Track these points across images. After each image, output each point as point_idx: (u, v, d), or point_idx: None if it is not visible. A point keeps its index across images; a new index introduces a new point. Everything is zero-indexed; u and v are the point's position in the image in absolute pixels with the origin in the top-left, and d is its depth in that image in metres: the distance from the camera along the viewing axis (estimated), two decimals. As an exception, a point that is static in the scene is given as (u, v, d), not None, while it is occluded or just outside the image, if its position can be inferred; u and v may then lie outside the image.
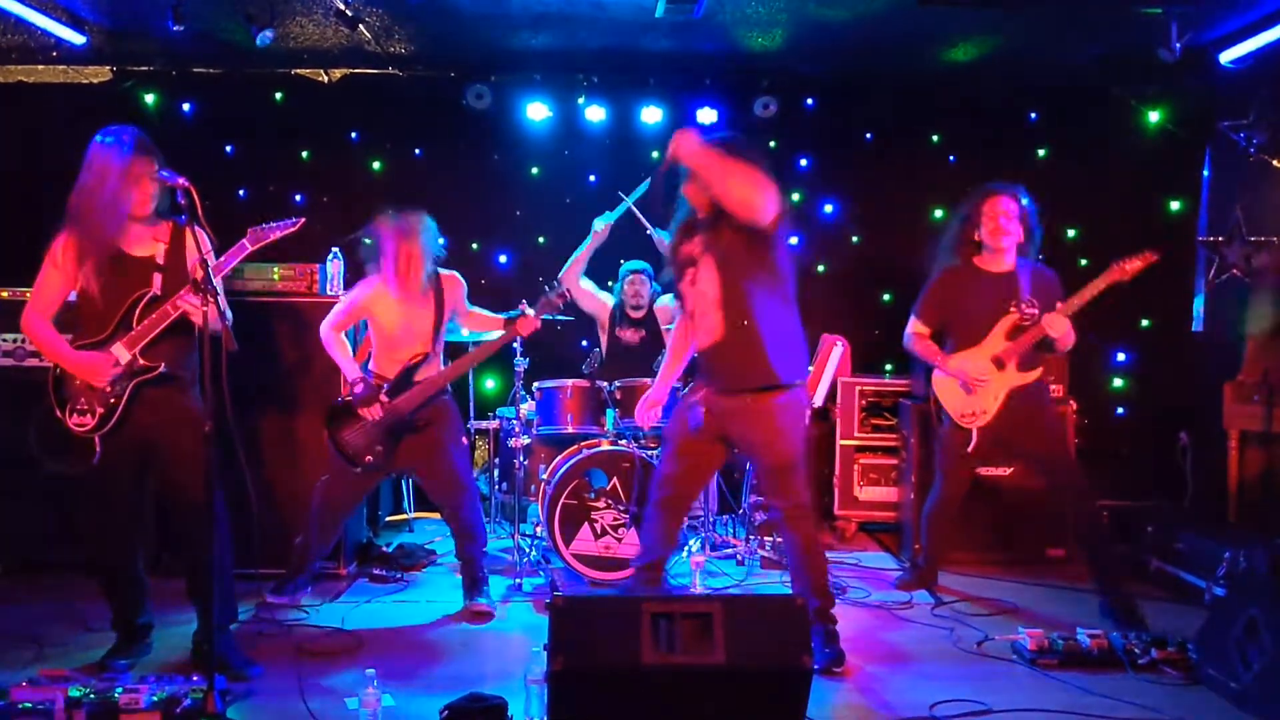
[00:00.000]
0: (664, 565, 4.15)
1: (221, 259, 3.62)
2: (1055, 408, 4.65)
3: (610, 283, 5.83)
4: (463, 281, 4.65)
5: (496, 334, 4.67)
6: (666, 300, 5.86)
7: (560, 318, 5.28)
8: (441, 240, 4.51)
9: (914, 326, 4.70)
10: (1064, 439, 4.64)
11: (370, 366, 4.55)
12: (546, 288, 4.62)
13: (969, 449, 4.54)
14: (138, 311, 3.61)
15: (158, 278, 3.64)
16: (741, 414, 3.83)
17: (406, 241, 4.37)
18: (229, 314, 3.51)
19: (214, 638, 3.43)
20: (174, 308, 3.57)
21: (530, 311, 4.54)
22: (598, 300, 5.78)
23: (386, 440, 4.44)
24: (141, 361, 3.61)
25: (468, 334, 5.20)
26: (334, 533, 4.67)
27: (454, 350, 4.87)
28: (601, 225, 5.49)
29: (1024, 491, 5.28)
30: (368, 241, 4.51)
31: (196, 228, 3.35)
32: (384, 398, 4.41)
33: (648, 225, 5.42)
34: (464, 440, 4.64)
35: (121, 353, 3.59)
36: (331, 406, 4.51)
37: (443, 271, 4.57)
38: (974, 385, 4.47)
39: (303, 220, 3.76)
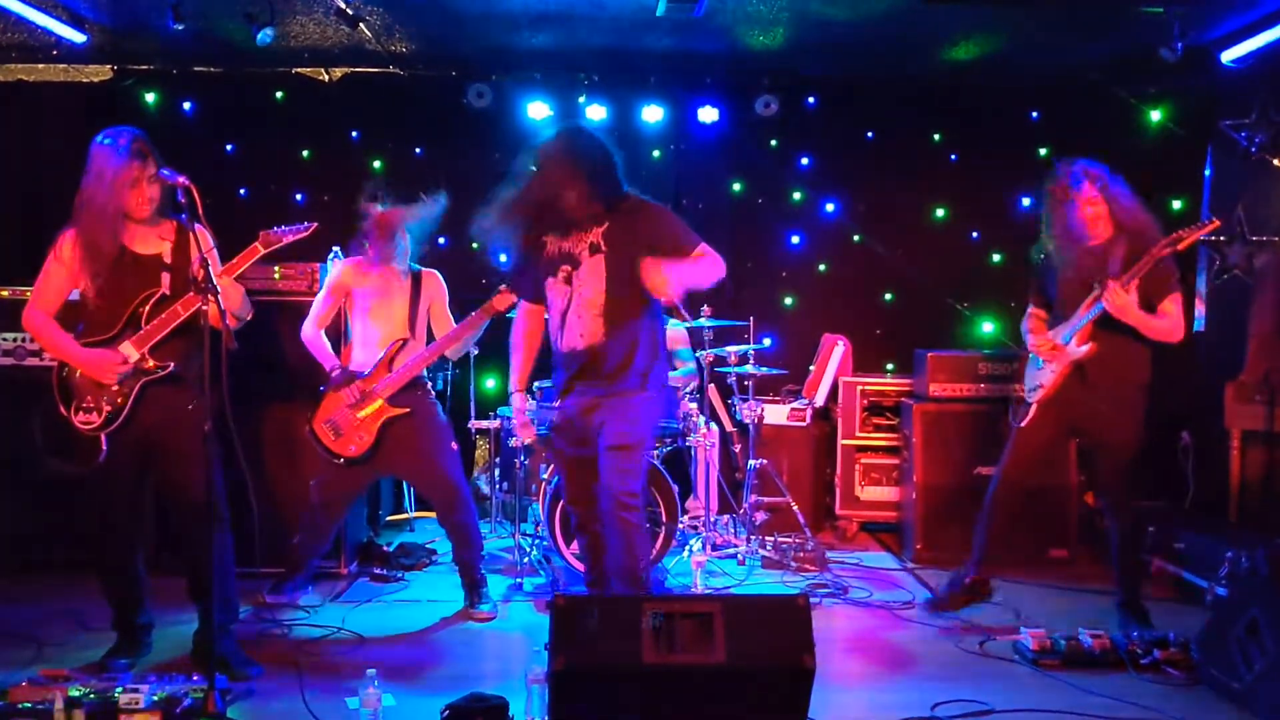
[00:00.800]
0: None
1: (234, 260, 3.63)
2: (1126, 390, 4.20)
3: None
4: (444, 284, 4.68)
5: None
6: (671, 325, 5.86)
7: None
8: (441, 240, 4.52)
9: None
10: (1128, 421, 4.18)
11: (352, 357, 4.55)
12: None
13: (1022, 422, 4.33)
14: (146, 310, 3.61)
15: (166, 276, 3.65)
16: (605, 407, 3.82)
17: (391, 207, 4.44)
18: (248, 312, 3.51)
19: (215, 637, 3.43)
20: (185, 307, 3.57)
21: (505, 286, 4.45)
22: None
23: (361, 435, 4.41)
24: (151, 361, 3.61)
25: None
26: (328, 532, 4.65)
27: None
28: None
29: (1027, 492, 5.26)
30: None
31: (197, 226, 3.35)
32: (360, 383, 4.40)
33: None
34: (453, 444, 4.57)
35: (130, 351, 3.59)
36: (314, 403, 4.50)
37: (425, 269, 4.62)
38: (1045, 357, 4.27)
39: (315, 225, 3.78)
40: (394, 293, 4.51)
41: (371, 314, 4.50)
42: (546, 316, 3.97)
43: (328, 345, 4.58)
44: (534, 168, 3.82)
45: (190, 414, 3.62)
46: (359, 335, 4.56)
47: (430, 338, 4.62)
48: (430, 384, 4.68)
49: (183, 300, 3.59)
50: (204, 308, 3.28)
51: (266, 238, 3.69)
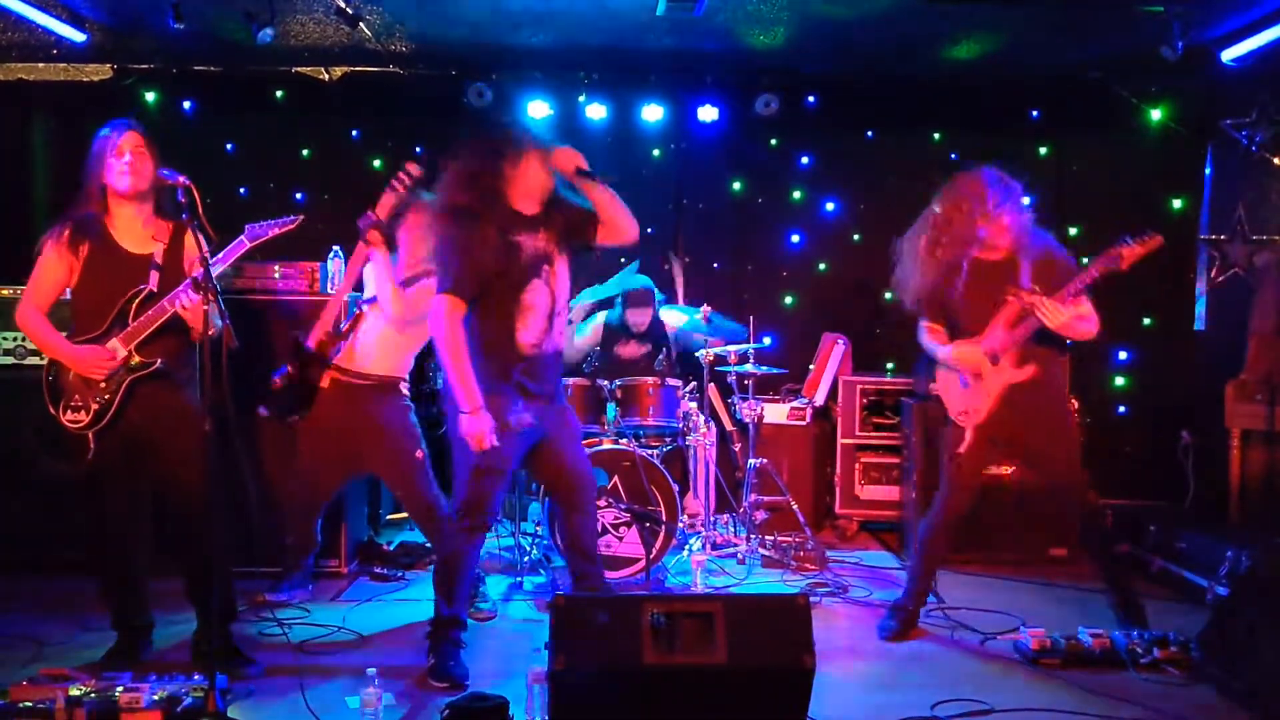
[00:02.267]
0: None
1: (220, 254, 3.62)
2: (1061, 406, 4.23)
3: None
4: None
5: None
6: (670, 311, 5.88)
7: None
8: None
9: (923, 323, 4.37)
10: (1067, 437, 4.19)
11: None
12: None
13: (960, 449, 4.21)
14: (134, 307, 3.61)
15: (155, 275, 3.64)
16: (560, 411, 3.96)
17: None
18: (224, 313, 3.50)
19: (213, 637, 3.43)
20: (170, 304, 3.57)
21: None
22: (589, 341, 5.75)
23: (299, 388, 4.41)
24: (137, 357, 3.60)
25: None
26: (313, 522, 4.62)
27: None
28: (599, 320, 5.68)
29: (1025, 491, 5.27)
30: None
31: (196, 226, 3.35)
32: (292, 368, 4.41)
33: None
34: (418, 452, 4.43)
35: (117, 348, 3.59)
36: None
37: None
38: (973, 373, 4.14)
39: (300, 218, 3.76)
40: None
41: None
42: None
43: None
44: (517, 158, 3.71)
45: (183, 413, 3.63)
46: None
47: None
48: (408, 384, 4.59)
49: (169, 297, 3.58)
50: (204, 307, 3.28)
51: (252, 230, 3.69)
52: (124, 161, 3.58)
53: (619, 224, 3.80)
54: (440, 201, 3.77)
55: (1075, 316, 3.87)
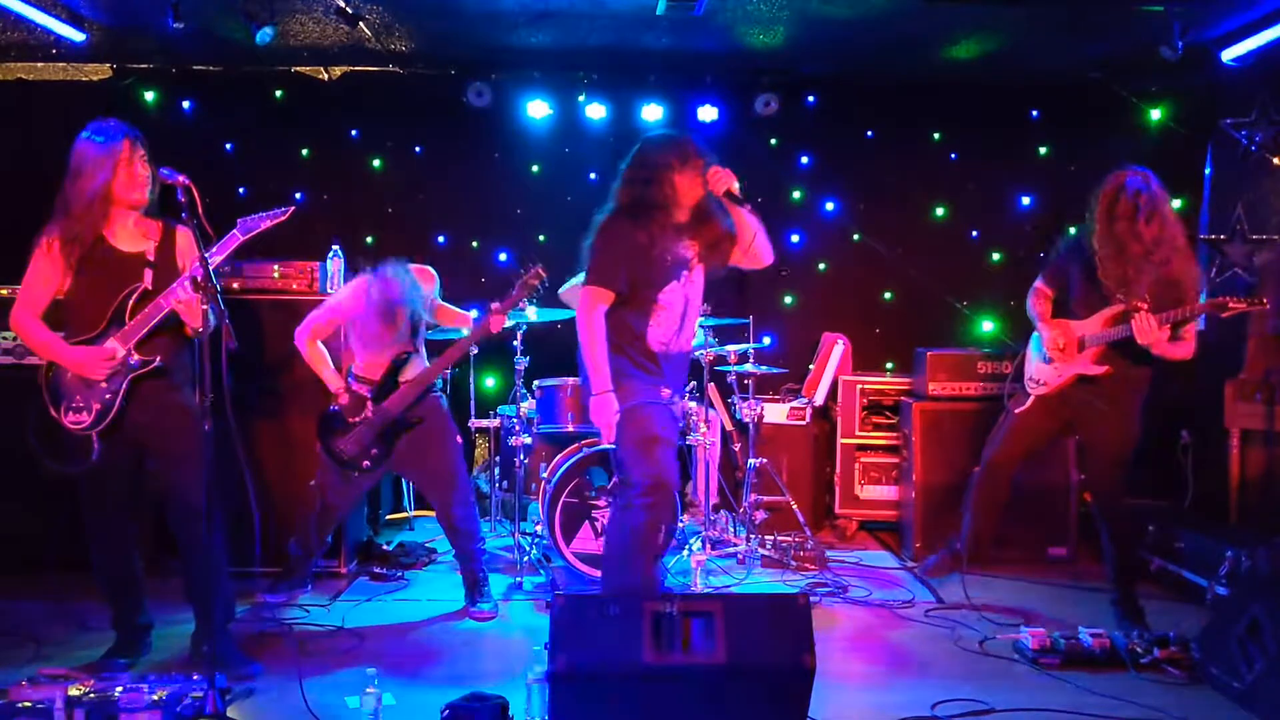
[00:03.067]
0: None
1: (213, 248, 3.59)
2: (1128, 412, 4.26)
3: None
4: (434, 275, 4.62)
5: (466, 330, 4.62)
6: None
7: (561, 315, 5.20)
8: (440, 238, 4.48)
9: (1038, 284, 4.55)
10: (1120, 443, 4.28)
11: (354, 371, 4.51)
12: (521, 267, 4.42)
13: (1019, 408, 4.44)
14: (129, 306, 3.59)
15: (149, 273, 3.63)
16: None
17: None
18: (223, 312, 3.49)
19: (213, 638, 3.43)
20: (166, 301, 3.56)
21: (497, 305, 4.39)
22: None
23: (381, 443, 4.42)
24: (136, 356, 3.60)
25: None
26: (328, 533, 4.67)
27: (436, 348, 4.84)
28: None
29: (1024, 491, 5.26)
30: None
31: (196, 226, 3.34)
32: (370, 404, 4.40)
33: None
34: (457, 437, 4.59)
35: (116, 348, 3.57)
36: (321, 417, 4.48)
37: (414, 266, 4.53)
38: (1053, 355, 4.34)
39: (291, 209, 3.72)
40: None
41: (376, 330, 4.45)
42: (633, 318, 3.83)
43: (328, 361, 4.52)
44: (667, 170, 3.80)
45: (182, 413, 3.63)
46: (361, 346, 4.52)
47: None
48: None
49: (165, 295, 3.57)
50: (203, 306, 3.28)
51: (245, 224, 3.65)
52: (138, 175, 3.58)
53: (756, 250, 3.92)
54: (614, 197, 3.89)
55: (1168, 340, 4.07)
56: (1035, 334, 4.48)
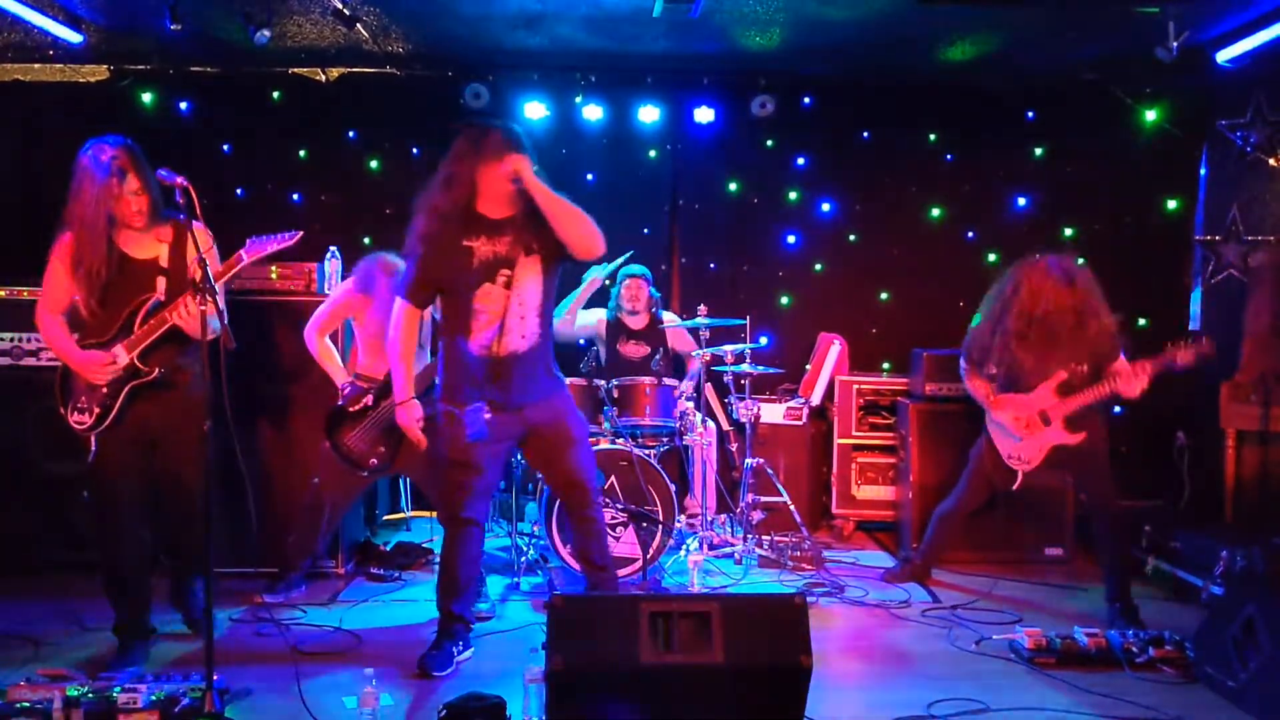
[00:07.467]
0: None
1: (219, 269, 3.64)
2: (1101, 451, 4.57)
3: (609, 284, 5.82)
4: None
5: None
6: (672, 319, 5.90)
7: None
8: None
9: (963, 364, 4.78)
10: (1100, 465, 4.55)
11: (359, 371, 4.54)
12: None
13: (1013, 487, 4.67)
14: (140, 315, 3.67)
15: (161, 281, 3.71)
16: (549, 412, 3.92)
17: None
18: (222, 314, 3.51)
19: (208, 638, 3.43)
20: (170, 315, 3.63)
21: None
22: (592, 326, 5.80)
23: (387, 442, 4.43)
24: (139, 365, 3.66)
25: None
26: (328, 532, 4.68)
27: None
28: (599, 274, 5.54)
29: (1024, 491, 5.27)
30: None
31: (196, 225, 3.35)
32: (369, 399, 4.41)
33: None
34: None
35: (121, 355, 3.65)
36: (329, 413, 4.50)
37: None
38: (1020, 434, 4.55)
39: (300, 234, 3.77)
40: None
41: (380, 326, 4.46)
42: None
43: (336, 358, 4.57)
44: (463, 164, 3.70)
45: (184, 412, 3.68)
46: (366, 342, 4.55)
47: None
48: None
49: (171, 307, 3.62)
50: (201, 309, 3.30)
51: (253, 246, 3.68)
52: (129, 208, 3.60)
53: (569, 237, 3.67)
54: (421, 200, 3.79)
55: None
56: (988, 418, 4.69)
